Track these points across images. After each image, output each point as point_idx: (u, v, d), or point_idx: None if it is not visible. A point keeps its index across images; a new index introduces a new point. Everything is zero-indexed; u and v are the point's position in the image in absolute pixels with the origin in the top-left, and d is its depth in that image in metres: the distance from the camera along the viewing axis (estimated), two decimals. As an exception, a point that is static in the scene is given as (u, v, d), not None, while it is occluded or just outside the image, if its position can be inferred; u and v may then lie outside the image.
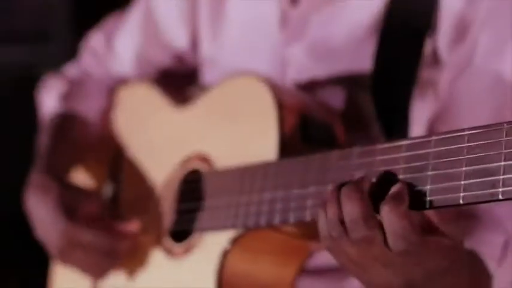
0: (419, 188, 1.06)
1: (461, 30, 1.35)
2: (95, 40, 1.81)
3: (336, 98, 1.42)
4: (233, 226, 1.30)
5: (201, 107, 1.49)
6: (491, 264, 1.22)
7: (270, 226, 1.26)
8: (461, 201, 1.03)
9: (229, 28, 1.58)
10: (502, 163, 0.99)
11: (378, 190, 1.08)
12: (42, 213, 1.49)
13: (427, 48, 1.36)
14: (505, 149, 1.00)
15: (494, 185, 1.00)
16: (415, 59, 1.35)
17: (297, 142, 1.31)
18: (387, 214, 1.05)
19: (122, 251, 1.46)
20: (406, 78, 1.35)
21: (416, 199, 1.06)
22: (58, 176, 1.56)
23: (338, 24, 1.44)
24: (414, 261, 1.07)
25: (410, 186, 1.06)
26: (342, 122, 1.38)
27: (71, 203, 1.47)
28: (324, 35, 1.45)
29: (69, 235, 1.45)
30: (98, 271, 1.48)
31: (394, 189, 1.06)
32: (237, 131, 1.39)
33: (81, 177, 1.69)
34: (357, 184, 1.08)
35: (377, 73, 1.36)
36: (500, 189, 0.99)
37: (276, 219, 1.23)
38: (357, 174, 1.11)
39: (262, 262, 1.33)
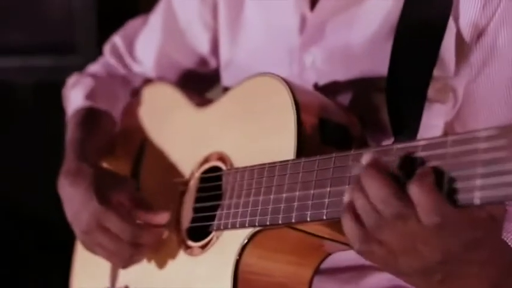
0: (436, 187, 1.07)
1: (479, 34, 1.38)
2: (116, 43, 1.83)
3: (353, 100, 1.43)
4: (251, 224, 1.31)
5: (220, 107, 1.51)
6: None
7: (288, 225, 1.27)
8: (477, 202, 1.03)
9: (248, 31, 1.60)
10: (518, 163, 1.00)
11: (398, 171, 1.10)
12: (74, 194, 1.50)
13: (448, 50, 1.37)
14: (521, 150, 1.01)
15: (510, 184, 1.01)
16: (430, 62, 1.36)
17: (315, 143, 1.32)
18: (417, 191, 1.06)
19: (146, 244, 1.46)
20: (420, 81, 1.36)
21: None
22: (93, 162, 1.58)
23: (355, 28, 1.45)
24: (449, 233, 1.07)
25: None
26: (360, 124, 1.39)
27: (104, 187, 1.48)
28: (341, 39, 1.46)
29: (98, 217, 1.45)
30: (119, 260, 1.48)
31: (419, 170, 1.07)
32: (255, 130, 1.40)
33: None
34: (374, 165, 1.10)
35: (391, 76, 1.37)
36: (517, 190, 1.00)
37: (293, 218, 1.24)
38: None
39: (279, 260, 1.34)
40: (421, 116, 1.35)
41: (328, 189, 1.20)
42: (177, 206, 1.51)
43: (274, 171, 1.30)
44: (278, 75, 1.38)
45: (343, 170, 1.19)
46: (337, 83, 1.46)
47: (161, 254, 1.50)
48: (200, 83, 1.77)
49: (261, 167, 1.33)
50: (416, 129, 1.34)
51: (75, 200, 1.50)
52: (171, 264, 1.48)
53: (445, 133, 1.46)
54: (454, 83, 1.40)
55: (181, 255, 1.46)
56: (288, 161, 1.29)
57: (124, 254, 1.46)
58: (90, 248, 1.50)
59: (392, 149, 1.13)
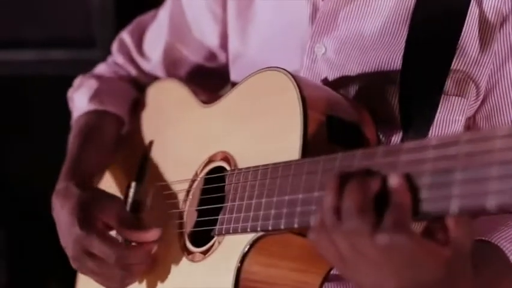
0: (445, 192, 0.97)
1: (502, 21, 1.30)
2: (124, 40, 1.76)
3: (365, 93, 1.33)
4: (253, 229, 1.22)
5: (226, 105, 1.42)
6: None
7: (290, 230, 1.18)
8: (491, 207, 0.93)
9: (258, 23, 1.51)
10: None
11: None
12: (61, 219, 1.44)
13: (470, 37, 1.28)
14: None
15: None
16: (449, 51, 1.26)
17: (322, 142, 1.23)
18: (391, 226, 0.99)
19: (135, 264, 1.39)
20: (437, 73, 1.26)
21: (440, 203, 0.98)
22: (83, 180, 1.50)
23: (368, 16, 1.36)
24: (404, 263, 1.01)
25: (432, 190, 0.98)
26: (373, 121, 1.29)
27: (87, 210, 1.41)
28: (354, 28, 1.37)
29: (82, 244, 1.39)
30: (112, 283, 1.41)
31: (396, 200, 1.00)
32: (260, 128, 1.31)
33: (111, 175, 1.64)
34: (364, 181, 1.03)
35: (406, 66, 1.28)
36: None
37: (296, 223, 1.15)
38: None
39: (284, 267, 1.25)
40: (435, 111, 1.26)
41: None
42: (181, 209, 1.43)
43: (278, 173, 1.21)
44: (285, 70, 1.28)
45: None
46: (349, 75, 1.36)
47: (164, 260, 1.42)
48: (212, 79, 1.67)
49: (265, 167, 1.24)
50: (428, 125, 1.26)
51: (62, 225, 1.44)
52: (174, 270, 1.40)
53: (467, 129, 1.37)
54: (475, 74, 1.31)
55: (184, 260, 1.38)
56: (291, 161, 1.20)
57: (115, 278, 1.39)
58: (84, 273, 1.44)
59: (401, 149, 1.04)
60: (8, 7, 2.79)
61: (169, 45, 1.68)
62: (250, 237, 1.23)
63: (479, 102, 1.34)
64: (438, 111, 1.30)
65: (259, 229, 1.21)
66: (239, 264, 1.23)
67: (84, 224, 1.39)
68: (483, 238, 1.28)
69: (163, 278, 1.41)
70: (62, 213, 1.44)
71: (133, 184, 1.57)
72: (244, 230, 1.24)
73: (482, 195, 0.94)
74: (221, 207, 1.31)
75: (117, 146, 1.65)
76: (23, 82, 2.84)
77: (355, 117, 1.28)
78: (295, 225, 1.15)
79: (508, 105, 1.33)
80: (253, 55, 1.50)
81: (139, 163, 1.60)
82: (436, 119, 1.30)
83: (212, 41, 1.63)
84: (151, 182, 1.56)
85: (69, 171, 1.52)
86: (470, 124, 1.37)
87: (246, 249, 1.23)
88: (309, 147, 1.21)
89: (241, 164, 1.32)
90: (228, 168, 1.34)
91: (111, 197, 1.48)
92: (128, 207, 1.56)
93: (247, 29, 1.52)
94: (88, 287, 1.56)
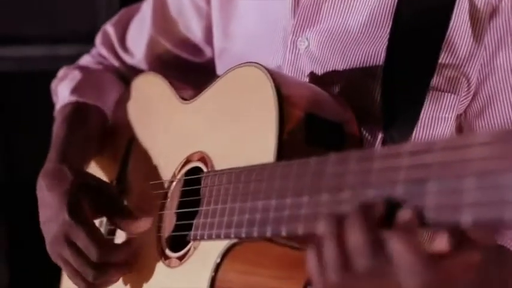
0: (418, 203, 0.91)
1: (491, 12, 1.24)
2: (108, 32, 1.70)
3: (349, 90, 1.27)
4: (226, 236, 1.16)
5: (204, 102, 1.35)
6: None
7: (265, 238, 1.12)
8: (466, 222, 0.87)
9: (241, 17, 1.44)
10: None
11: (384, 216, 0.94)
12: (48, 200, 1.37)
13: (459, 30, 1.22)
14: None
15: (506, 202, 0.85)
16: (435, 45, 1.20)
17: (300, 142, 1.16)
18: (397, 247, 0.90)
19: (114, 264, 1.33)
20: (422, 68, 1.20)
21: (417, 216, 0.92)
22: (75, 164, 1.44)
23: (353, 8, 1.29)
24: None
25: (404, 201, 0.92)
26: (357, 119, 1.23)
27: (78, 196, 1.34)
28: (338, 20, 1.31)
29: (67, 231, 1.32)
30: (80, 281, 1.33)
31: (403, 217, 0.91)
32: (237, 127, 1.24)
33: (94, 171, 1.57)
34: (366, 212, 0.93)
35: (389, 61, 1.22)
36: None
37: (268, 232, 1.08)
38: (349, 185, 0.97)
39: (261, 275, 1.19)
40: (419, 108, 1.20)
41: (305, 198, 1.04)
42: (159, 211, 1.37)
43: (252, 176, 1.14)
44: (261, 65, 1.21)
45: (321, 177, 1.03)
46: (333, 71, 1.30)
47: (141, 264, 1.36)
48: (198, 74, 1.60)
49: (240, 170, 1.17)
50: (412, 123, 1.19)
51: (48, 206, 1.37)
52: (150, 276, 1.34)
53: (459, 126, 1.31)
54: (467, 69, 1.24)
55: (161, 266, 1.32)
56: (266, 164, 1.13)
57: (86, 275, 1.32)
58: (56, 260, 1.36)
59: (375, 155, 0.97)
60: (15, 3, 2.77)
61: (153, 40, 1.61)
62: (224, 244, 1.17)
63: (470, 98, 1.28)
64: (427, 108, 1.24)
65: (232, 236, 1.15)
66: (213, 274, 1.17)
67: (73, 211, 1.32)
68: None
69: (139, 283, 1.36)
70: (49, 195, 1.37)
71: (114, 183, 1.52)
72: (218, 237, 1.18)
73: (456, 208, 0.88)
74: (197, 211, 1.25)
75: (101, 137, 1.59)
76: (30, 78, 2.82)
77: (338, 115, 1.22)
78: (268, 234, 1.08)
79: (501, 98, 1.27)
80: (238, 50, 1.44)
81: (120, 161, 1.54)
82: (424, 117, 1.24)
83: (197, 35, 1.57)
84: (132, 182, 1.50)
85: (60, 153, 1.46)
86: (462, 121, 1.30)
87: (219, 259, 1.17)
88: (286, 148, 1.14)
89: (218, 165, 1.26)
90: (204, 169, 1.28)
91: (104, 183, 1.43)
92: None
93: (231, 23, 1.45)
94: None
